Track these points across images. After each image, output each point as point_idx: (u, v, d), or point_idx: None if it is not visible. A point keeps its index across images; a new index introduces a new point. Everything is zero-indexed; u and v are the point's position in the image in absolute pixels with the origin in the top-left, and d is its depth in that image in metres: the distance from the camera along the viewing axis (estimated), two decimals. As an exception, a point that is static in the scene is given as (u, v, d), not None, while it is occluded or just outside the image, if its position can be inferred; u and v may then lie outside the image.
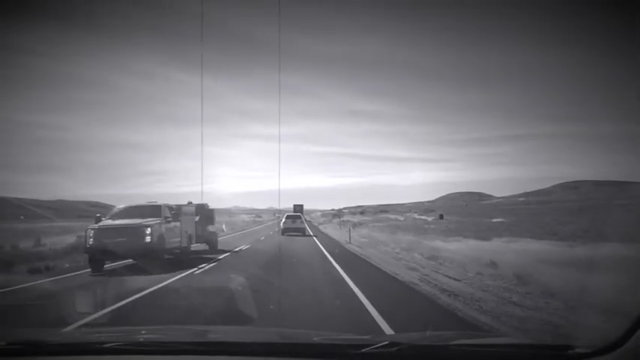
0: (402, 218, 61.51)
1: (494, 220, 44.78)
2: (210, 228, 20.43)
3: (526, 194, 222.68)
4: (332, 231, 39.31)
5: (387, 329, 6.02)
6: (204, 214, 19.71)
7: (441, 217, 58.29)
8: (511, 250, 14.38)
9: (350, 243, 23.35)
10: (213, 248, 19.70)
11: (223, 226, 41.18)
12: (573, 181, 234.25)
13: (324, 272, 12.21)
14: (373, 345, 2.39)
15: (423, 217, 62.16)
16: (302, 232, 33.05)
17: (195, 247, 18.32)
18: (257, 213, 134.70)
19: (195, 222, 18.05)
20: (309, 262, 14.51)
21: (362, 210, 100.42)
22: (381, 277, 11.16)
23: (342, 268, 12.63)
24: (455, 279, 10.02)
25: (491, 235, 25.82)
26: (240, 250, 20.18)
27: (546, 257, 11.21)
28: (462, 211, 77.28)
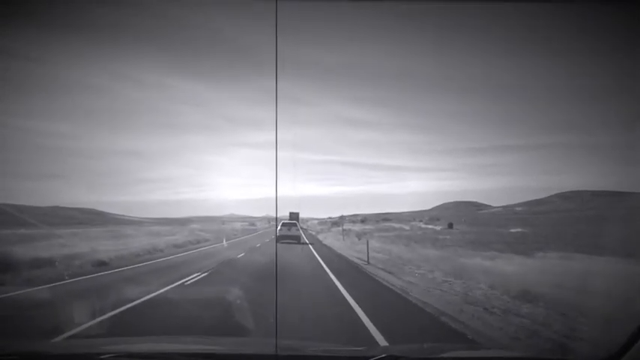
0: (407, 227, 57.80)
1: (512, 231, 41.32)
2: None
3: (523, 204, 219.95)
4: (335, 242, 35.23)
5: None
6: None
7: (451, 226, 54.78)
8: (597, 273, 10.81)
9: (369, 264, 17.14)
10: None
11: (224, 242, 36.52)
12: (571, 191, 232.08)
13: None
14: (371, 357, 2.38)
15: (429, 227, 58.62)
16: (297, 239, 33.06)
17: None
18: (252, 221, 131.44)
19: None
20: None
21: (363, 218, 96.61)
22: None
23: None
24: None
25: (527, 249, 22.37)
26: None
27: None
28: (468, 221, 73.90)
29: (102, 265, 16.43)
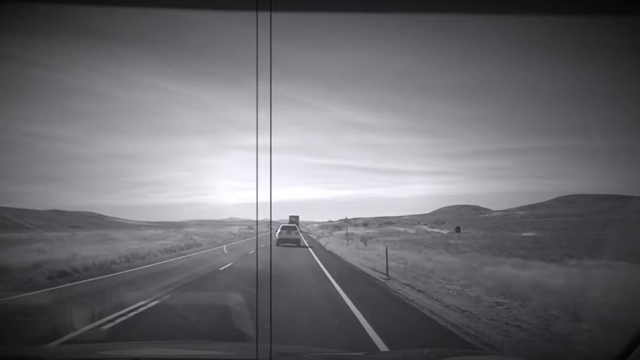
0: (412, 231, 55.60)
1: (524, 235, 39.27)
2: None
3: (523, 208, 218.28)
4: (339, 248, 32.90)
5: None
6: None
7: (458, 230, 52.70)
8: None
9: (389, 278, 13.82)
10: None
11: (224, 248, 33.84)
12: (572, 195, 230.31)
13: None
14: None
15: (435, 230, 56.46)
16: (297, 242, 33.94)
17: None
18: (252, 224, 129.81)
19: None
20: None
21: (365, 222, 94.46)
22: None
23: None
24: None
25: (553, 255, 20.30)
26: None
27: None
28: (471, 224, 71.89)
29: (60, 276, 13.88)
